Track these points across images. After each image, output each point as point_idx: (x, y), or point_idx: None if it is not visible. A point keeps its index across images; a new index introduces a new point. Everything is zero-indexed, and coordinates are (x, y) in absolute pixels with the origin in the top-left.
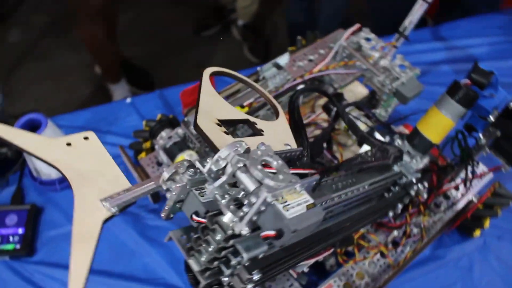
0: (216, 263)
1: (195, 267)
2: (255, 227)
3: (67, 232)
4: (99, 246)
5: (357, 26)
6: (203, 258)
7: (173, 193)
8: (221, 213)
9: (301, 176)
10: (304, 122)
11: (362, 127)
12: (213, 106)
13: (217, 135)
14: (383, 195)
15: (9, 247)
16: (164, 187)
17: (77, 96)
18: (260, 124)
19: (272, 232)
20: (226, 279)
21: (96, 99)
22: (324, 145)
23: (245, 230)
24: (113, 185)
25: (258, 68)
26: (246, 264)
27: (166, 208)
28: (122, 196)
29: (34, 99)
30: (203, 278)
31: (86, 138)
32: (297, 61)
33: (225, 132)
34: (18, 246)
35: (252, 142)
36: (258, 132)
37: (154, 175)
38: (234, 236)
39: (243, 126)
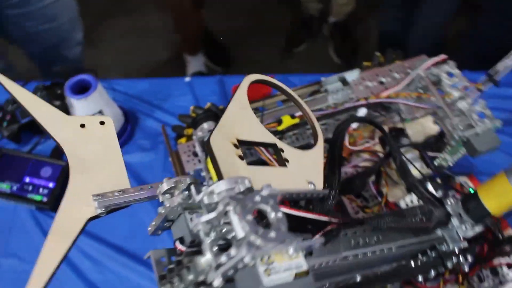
0: None
1: None
2: (230, 279)
3: None
4: (119, 219)
5: (442, 57)
6: None
7: (162, 211)
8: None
9: (316, 223)
10: (357, 148)
11: (416, 172)
12: (239, 121)
13: (228, 160)
14: (416, 255)
15: (37, 198)
16: (160, 199)
17: (152, 59)
18: (288, 152)
19: None
20: None
21: (169, 66)
22: (373, 177)
23: (217, 282)
24: (113, 182)
25: (322, 79)
26: None
27: (153, 223)
28: (115, 197)
29: (111, 54)
30: None
31: (102, 122)
32: (367, 80)
33: (240, 157)
34: (45, 199)
35: (268, 174)
36: (281, 162)
37: (188, 164)
38: (205, 283)
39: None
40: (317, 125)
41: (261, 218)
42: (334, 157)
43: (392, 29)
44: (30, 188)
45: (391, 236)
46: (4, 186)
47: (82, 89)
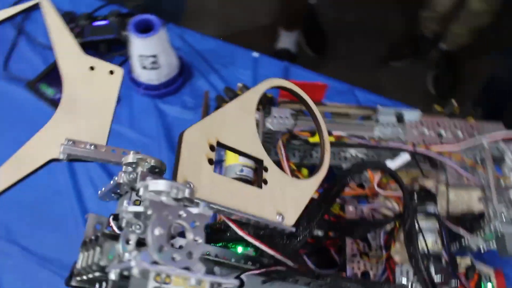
0: (90, 275)
1: (78, 263)
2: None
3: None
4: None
5: None
6: (83, 263)
7: (111, 182)
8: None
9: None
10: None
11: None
12: (232, 123)
13: (194, 159)
14: None
15: None
16: (123, 169)
17: (249, 22)
18: (273, 174)
19: None
20: None
21: (260, 34)
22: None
23: (112, 275)
24: (93, 132)
25: (378, 107)
26: None
27: (103, 189)
28: (85, 150)
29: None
30: (74, 280)
31: (112, 72)
32: (425, 126)
33: (209, 160)
34: None
35: (233, 189)
36: (258, 182)
37: None
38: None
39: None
40: (327, 154)
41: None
42: (327, 196)
43: (502, 78)
44: None
45: None
46: (49, 91)
47: (145, 29)
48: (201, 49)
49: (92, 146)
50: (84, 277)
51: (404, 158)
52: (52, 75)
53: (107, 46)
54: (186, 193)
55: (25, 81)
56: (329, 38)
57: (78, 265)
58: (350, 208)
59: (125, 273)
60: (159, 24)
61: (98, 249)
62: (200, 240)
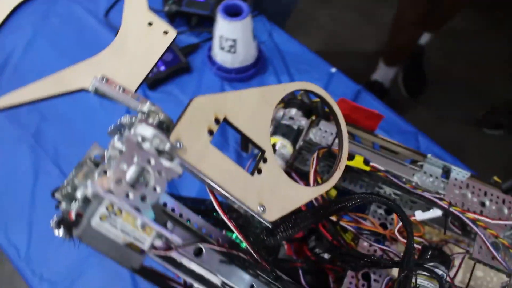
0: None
1: (66, 179)
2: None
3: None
4: None
5: None
6: (69, 179)
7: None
8: None
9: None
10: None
11: None
12: (246, 107)
13: (195, 125)
14: None
15: None
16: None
17: (353, 45)
18: (271, 168)
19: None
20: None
21: (359, 59)
22: None
23: (78, 194)
24: (127, 79)
25: (428, 156)
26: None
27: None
28: (112, 89)
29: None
30: (58, 191)
31: (166, 32)
32: (470, 189)
33: (210, 131)
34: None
35: (222, 165)
36: (254, 168)
37: None
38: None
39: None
40: (338, 172)
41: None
42: (319, 214)
43: None
44: None
45: None
46: None
47: (234, 13)
48: (283, 49)
49: (121, 89)
50: (64, 191)
51: (435, 213)
52: None
53: (198, 20)
54: (166, 147)
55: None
56: (427, 84)
57: (65, 181)
58: (364, 243)
59: (88, 195)
60: (247, 12)
61: (83, 170)
62: (159, 190)
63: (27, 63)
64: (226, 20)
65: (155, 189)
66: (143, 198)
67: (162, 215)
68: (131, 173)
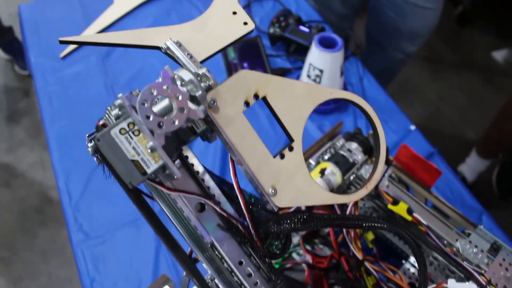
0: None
1: None
2: None
3: None
4: None
5: None
6: None
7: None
8: None
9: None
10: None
11: None
12: (290, 97)
13: (234, 91)
14: None
15: None
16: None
17: (451, 124)
18: (295, 157)
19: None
20: None
21: (455, 143)
22: None
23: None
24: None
25: (480, 227)
26: None
27: None
28: (181, 53)
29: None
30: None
31: (245, 23)
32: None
33: (246, 103)
34: None
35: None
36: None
37: None
38: None
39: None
40: (364, 191)
41: None
42: (323, 221)
43: None
44: None
45: None
46: (232, 55)
47: (328, 46)
48: (369, 95)
49: (189, 56)
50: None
51: (469, 287)
52: (243, 47)
53: (296, 48)
54: (198, 93)
55: None
56: None
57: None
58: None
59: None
60: (340, 47)
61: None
62: (177, 123)
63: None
64: (317, 49)
65: (173, 122)
66: (160, 125)
67: (174, 152)
68: (159, 102)
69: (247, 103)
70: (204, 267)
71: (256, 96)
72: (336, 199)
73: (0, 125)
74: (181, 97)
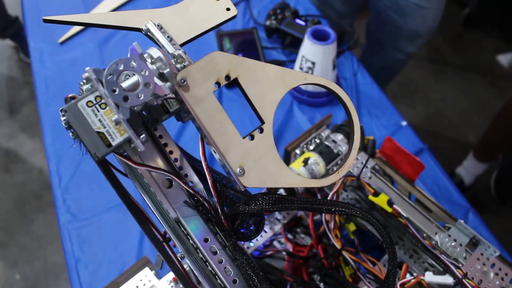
0: None
1: None
2: None
3: None
4: None
5: None
6: None
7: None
8: None
9: None
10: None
11: None
12: (263, 80)
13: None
14: None
15: None
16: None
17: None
18: (264, 138)
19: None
20: None
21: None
22: None
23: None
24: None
25: (461, 221)
26: None
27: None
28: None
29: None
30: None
31: (228, 9)
32: (495, 269)
33: (217, 83)
34: None
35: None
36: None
37: None
38: None
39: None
40: (337, 174)
41: None
42: (291, 203)
43: None
44: None
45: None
46: (227, 45)
47: (320, 39)
48: (362, 90)
49: (169, 38)
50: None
51: (445, 279)
52: (236, 37)
53: (291, 41)
54: (166, 71)
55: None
56: None
57: None
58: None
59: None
60: (332, 39)
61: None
62: (142, 98)
63: None
64: (310, 41)
65: (139, 96)
66: (125, 98)
67: (140, 126)
68: (125, 77)
69: (218, 84)
70: (176, 244)
71: (227, 77)
72: (307, 182)
73: (3, 111)
74: (148, 73)
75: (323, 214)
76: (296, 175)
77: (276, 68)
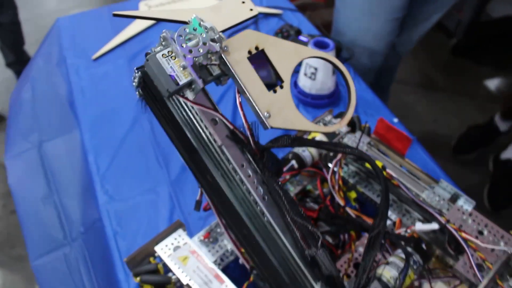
0: None
1: None
2: None
3: None
4: None
5: None
6: None
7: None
8: None
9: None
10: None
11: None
12: (282, 52)
13: (240, 43)
14: None
15: None
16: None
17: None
18: (283, 92)
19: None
20: None
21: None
22: None
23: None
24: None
25: (443, 181)
26: None
27: None
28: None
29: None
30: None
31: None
32: (472, 218)
33: (249, 52)
34: None
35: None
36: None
37: None
38: None
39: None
40: (339, 124)
41: None
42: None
43: None
44: None
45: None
46: None
47: (321, 47)
48: (359, 95)
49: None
50: None
51: (432, 226)
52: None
53: None
54: (216, 36)
55: None
56: None
57: None
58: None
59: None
60: (331, 48)
61: None
62: (201, 51)
63: None
64: (311, 47)
65: (199, 50)
66: (190, 51)
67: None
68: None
69: (250, 52)
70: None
71: (256, 48)
72: (316, 127)
73: None
74: (205, 35)
75: (329, 180)
76: (309, 122)
77: (291, 44)
